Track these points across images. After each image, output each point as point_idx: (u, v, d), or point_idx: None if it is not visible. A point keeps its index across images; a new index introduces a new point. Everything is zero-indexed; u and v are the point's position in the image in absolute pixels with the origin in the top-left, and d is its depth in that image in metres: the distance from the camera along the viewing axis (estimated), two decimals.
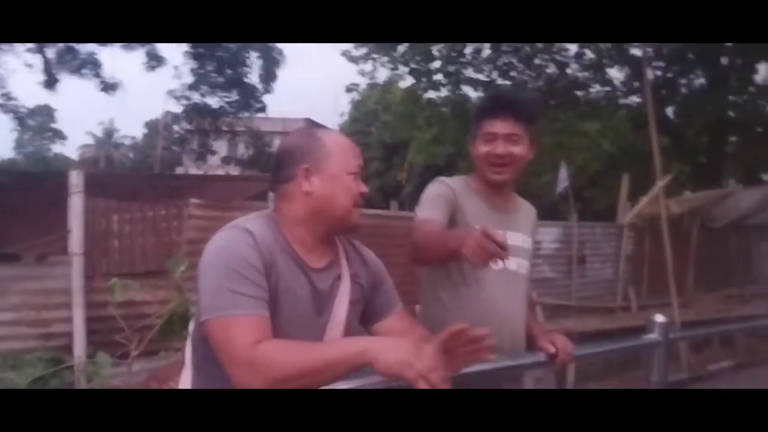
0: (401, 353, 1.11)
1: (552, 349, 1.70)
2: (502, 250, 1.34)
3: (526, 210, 1.99)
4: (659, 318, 2.19)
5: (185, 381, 1.37)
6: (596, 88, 11.91)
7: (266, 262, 1.23)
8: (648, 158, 6.70)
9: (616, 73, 11.65)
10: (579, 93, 11.77)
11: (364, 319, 1.47)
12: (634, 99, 11.62)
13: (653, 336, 2.13)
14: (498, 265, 1.72)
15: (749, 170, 11.87)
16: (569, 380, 5.28)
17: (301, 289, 1.30)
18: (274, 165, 1.38)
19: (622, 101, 12.02)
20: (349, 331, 1.37)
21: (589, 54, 11.24)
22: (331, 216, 1.33)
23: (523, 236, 1.89)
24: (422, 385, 1.09)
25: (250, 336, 1.13)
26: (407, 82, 12.33)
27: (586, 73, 11.66)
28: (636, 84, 10.99)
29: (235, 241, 1.23)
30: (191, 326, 1.37)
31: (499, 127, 1.78)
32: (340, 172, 1.33)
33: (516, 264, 1.82)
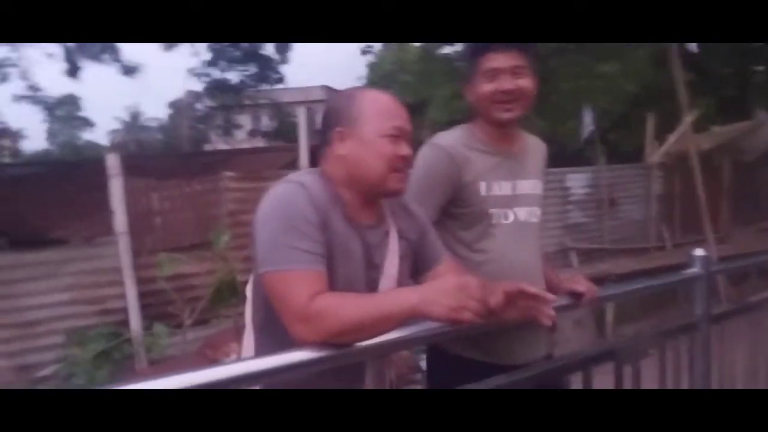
0: (451, 300, 1.12)
1: (581, 288, 1.63)
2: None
3: (534, 150, 1.85)
4: (699, 252, 2.21)
5: (248, 344, 1.37)
6: None
7: (321, 217, 1.23)
8: (672, 95, 6.58)
9: None
10: None
11: (414, 271, 1.46)
12: None
13: (695, 270, 2.14)
14: (508, 218, 1.71)
15: None
16: (608, 321, 5.36)
17: (353, 245, 1.30)
18: (320, 126, 1.37)
19: None
20: (401, 286, 1.36)
21: None
22: (367, 180, 1.31)
23: (533, 182, 1.78)
24: (471, 319, 1.13)
25: (306, 291, 1.13)
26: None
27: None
28: None
29: (291, 195, 1.23)
30: (249, 289, 1.37)
31: (503, 61, 1.64)
32: (373, 134, 1.30)
33: (527, 213, 1.75)
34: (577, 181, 7.25)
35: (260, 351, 1.33)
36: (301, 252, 1.17)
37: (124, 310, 4.35)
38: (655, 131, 7.95)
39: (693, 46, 8.89)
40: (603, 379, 1.81)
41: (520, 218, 1.72)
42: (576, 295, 1.65)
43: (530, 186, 1.77)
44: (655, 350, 2.08)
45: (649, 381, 2.00)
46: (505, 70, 1.64)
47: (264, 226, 1.22)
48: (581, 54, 11.18)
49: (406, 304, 1.15)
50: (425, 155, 1.68)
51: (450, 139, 1.71)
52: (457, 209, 1.68)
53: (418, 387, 4.25)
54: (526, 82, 1.66)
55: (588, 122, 7.53)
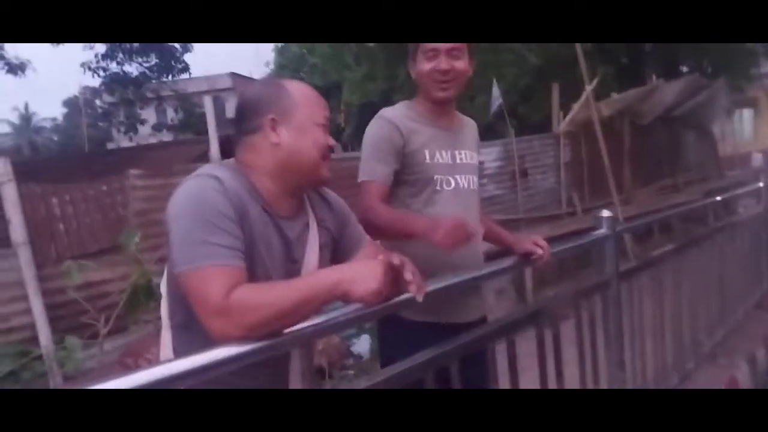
0: (372, 282, 1.15)
1: (537, 249, 1.83)
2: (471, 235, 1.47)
3: (468, 126, 2.03)
4: (605, 213, 2.35)
5: (165, 344, 1.33)
6: None
7: (238, 210, 1.19)
8: (574, 66, 6.87)
9: None
10: None
11: (336, 259, 1.45)
12: None
13: (602, 231, 2.29)
14: (450, 185, 1.84)
15: (668, 65, 12.28)
16: (527, 287, 5.56)
17: (272, 239, 1.28)
18: (236, 116, 1.33)
19: None
20: None
21: None
22: (300, 168, 1.30)
23: (470, 153, 1.94)
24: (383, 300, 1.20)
25: (223, 286, 1.09)
26: None
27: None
28: None
29: (203, 188, 1.18)
30: (163, 286, 1.32)
31: (440, 43, 1.78)
32: (308, 122, 1.30)
33: (467, 181, 1.89)
34: (489, 155, 7.44)
35: (179, 350, 1.28)
36: (217, 247, 1.13)
37: (32, 326, 4.07)
38: (559, 101, 8.28)
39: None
40: (526, 345, 1.88)
41: (461, 185, 1.87)
42: (529, 255, 1.85)
43: (468, 156, 1.93)
44: (572, 312, 2.18)
45: (568, 342, 2.09)
46: (443, 51, 1.78)
47: (176, 222, 1.16)
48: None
49: (324, 285, 1.15)
50: (374, 127, 1.83)
51: (395, 112, 1.85)
52: (405, 176, 1.81)
53: (352, 372, 4.26)
54: (461, 64, 1.81)
55: (496, 96, 7.72)
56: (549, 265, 1.97)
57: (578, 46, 6.23)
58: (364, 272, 1.16)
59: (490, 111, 8.06)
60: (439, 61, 1.79)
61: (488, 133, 8.96)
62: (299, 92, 1.32)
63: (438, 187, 1.82)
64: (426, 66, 1.81)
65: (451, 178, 1.84)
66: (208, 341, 1.10)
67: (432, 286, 1.43)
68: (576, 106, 7.89)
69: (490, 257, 1.94)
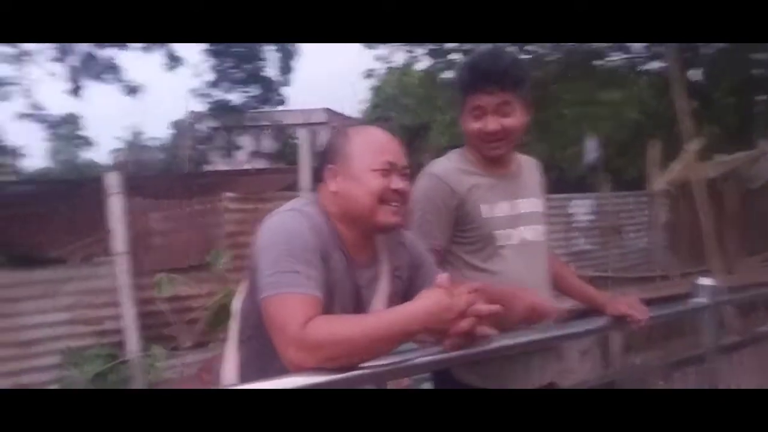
0: (449, 313, 1.15)
1: (635, 314, 1.64)
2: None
3: (528, 168, 1.85)
4: (706, 281, 2.17)
5: (230, 359, 1.38)
6: (616, 57, 11.70)
7: (322, 248, 1.25)
8: (675, 123, 6.60)
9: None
10: (598, 62, 11.57)
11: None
12: (656, 64, 11.40)
13: (701, 299, 2.11)
14: (512, 239, 1.70)
15: None
16: (613, 351, 5.27)
17: (344, 283, 1.31)
18: (317, 161, 1.42)
19: (643, 68, 11.79)
20: None
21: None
22: (356, 215, 1.32)
23: (533, 200, 1.78)
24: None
25: (304, 315, 1.11)
26: (424, 63, 12.25)
27: (603, 43, 11.45)
28: (657, 49, 10.78)
29: (295, 223, 1.25)
30: (236, 305, 1.38)
31: (486, 100, 1.62)
32: (362, 170, 1.31)
33: (532, 232, 1.74)
34: (580, 207, 7.23)
35: (244, 367, 1.36)
36: (301, 276, 1.17)
37: (122, 332, 4.28)
38: (658, 159, 7.96)
39: (697, 75, 8.91)
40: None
41: (526, 237, 1.71)
42: (623, 318, 1.65)
43: (532, 204, 1.77)
44: (663, 382, 2.03)
45: None
46: (490, 110, 1.63)
47: (266, 250, 1.22)
48: (583, 80, 11.28)
49: (400, 325, 1.14)
50: (423, 186, 1.68)
51: (445, 165, 1.72)
52: (462, 234, 1.68)
53: None
54: (512, 121, 1.64)
55: (592, 148, 7.53)
56: (635, 332, 1.78)
57: (681, 103, 5.99)
58: (436, 312, 1.15)
59: (583, 163, 7.86)
60: (486, 120, 1.63)
61: (580, 185, 8.74)
62: (359, 140, 1.35)
63: (499, 243, 1.67)
64: (473, 125, 1.66)
65: (513, 231, 1.70)
66: (273, 360, 1.14)
67: (497, 343, 1.35)
68: (676, 165, 7.56)
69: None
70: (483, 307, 1.18)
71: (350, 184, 1.32)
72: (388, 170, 1.32)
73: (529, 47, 10.93)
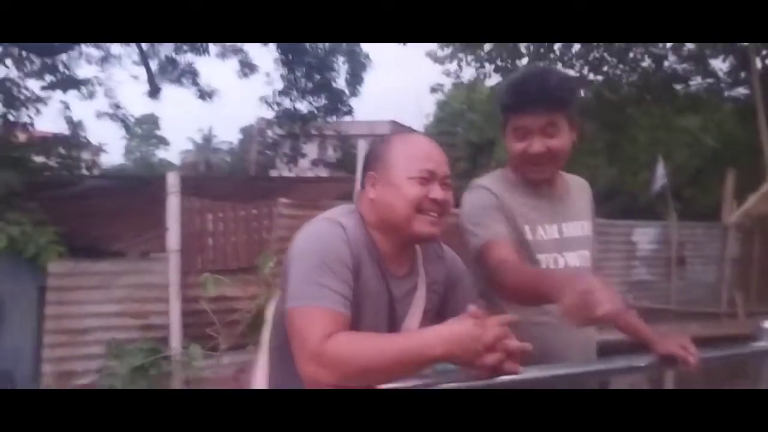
0: (474, 344, 1.07)
1: (686, 356, 1.51)
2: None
3: (577, 189, 1.76)
4: None
5: (261, 366, 1.39)
6: (697, 81, 11.17)
7: (355, 261, 1.22)
8: (756, 153, 6.21)
9: (719, 64, 10.85)
10: (678, 86, 11.09)
11: (443, 318, 1.38)
12: (741, 91, 10.80)
13: (763, 344, 1.97)
14: (558, 264, 1.60)
15: None
16: (666, 388, 4.96)
17: (379, 295, 1.29)
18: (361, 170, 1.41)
19: (726, 94, 11.21)
20: None
21: (689, 45, 10.55)
22: (392, 223, 1.30)
23: (580, 223, 1.69)
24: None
25: (325, 330, 1.09)
26: (493, 80, 12.12)
27: (685, 65, 10.95)
28: (742, 75, 10.22)
29: (328, 234, 1.23)
30: (269, 312, 1.39)
31: (531, 121, 1.54)
32: (400, 177, 1.29)
33: (578, 258, 1.64)
34: (645, 236, 6.92)
35: (273, 374, 1.37)
36: (328, 290, 1.15)
37: (166, 327, 4.38)
38: (734, 190, 7.52)
39: None
40: None
41: (571, 264, 1.62)
42: (671, 359, 1.52)
43: (578, 228, 1.68)
44: None
45: None
46: (535, 131, 1.55)
47: (298, 260, 1.21)
48: (660, 104, 10.84)
49: (423, 351, 1.08)
50: (472, 197, 1.62)
51: (491, 183, 1.64)
52: None
53: None
54: (558, 142, 1.56)
55: (661, 175, 7.20)
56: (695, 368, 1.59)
57: (764, 133, 5.62)
58: (463, 339, 1.08)
59: (652, 189, 7.52)
60: (531, 142, 1.55)
61: (648, 212, 8.38)
62: (399, 147, 1.32)
63: (543, 267, 1.59)
64: (517, 146, 1.58)
65: (558, 257, 1.61)
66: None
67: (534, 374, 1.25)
68: (754, 197, 7.12)
69: (607, 347, 1.68)
70: (512, 344, 1.10)
71: (388, 192, 1.29)
72: (427, 179, 1.29)
73: (605, 69, 10.63)
